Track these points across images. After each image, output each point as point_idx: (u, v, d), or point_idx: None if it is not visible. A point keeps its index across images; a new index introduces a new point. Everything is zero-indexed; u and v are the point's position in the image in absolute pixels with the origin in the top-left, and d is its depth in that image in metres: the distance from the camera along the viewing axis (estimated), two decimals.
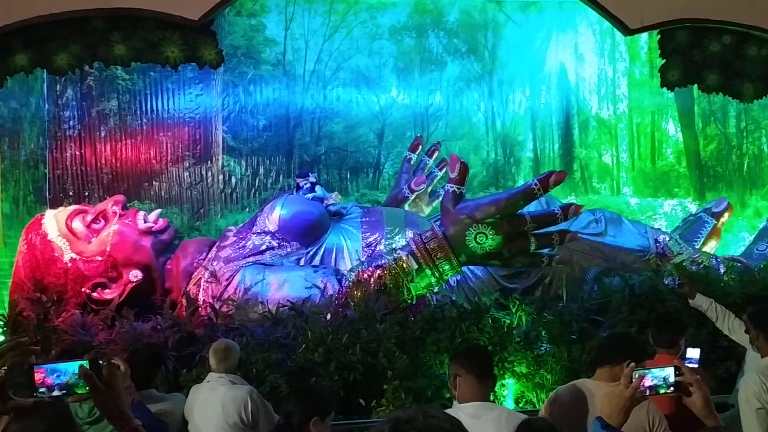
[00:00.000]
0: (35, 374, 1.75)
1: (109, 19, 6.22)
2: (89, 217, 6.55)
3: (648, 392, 2.09)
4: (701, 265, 6.54)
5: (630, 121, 10.41)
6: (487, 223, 5.56)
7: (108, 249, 6.44)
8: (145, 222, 6.67)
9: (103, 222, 6.58)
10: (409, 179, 7.74)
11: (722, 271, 6.52)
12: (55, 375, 1.75)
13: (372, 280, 5.80)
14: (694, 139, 10.28)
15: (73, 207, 6.80)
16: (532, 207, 6.46)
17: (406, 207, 7.64)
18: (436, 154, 8.15)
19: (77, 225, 6.49)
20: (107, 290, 6.48)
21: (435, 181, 8.13)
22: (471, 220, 5.61)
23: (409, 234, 6.42)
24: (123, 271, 6.51)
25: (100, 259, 6.44)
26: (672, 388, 2.08)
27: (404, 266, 5.81)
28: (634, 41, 9.95)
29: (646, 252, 6.82)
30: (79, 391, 1.76)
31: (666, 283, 5.05)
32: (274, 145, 9.28)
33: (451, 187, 5.85)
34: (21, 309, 5.93)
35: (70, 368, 1.75)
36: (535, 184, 5.54)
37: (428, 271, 5.83)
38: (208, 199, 9.05)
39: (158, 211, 6.99)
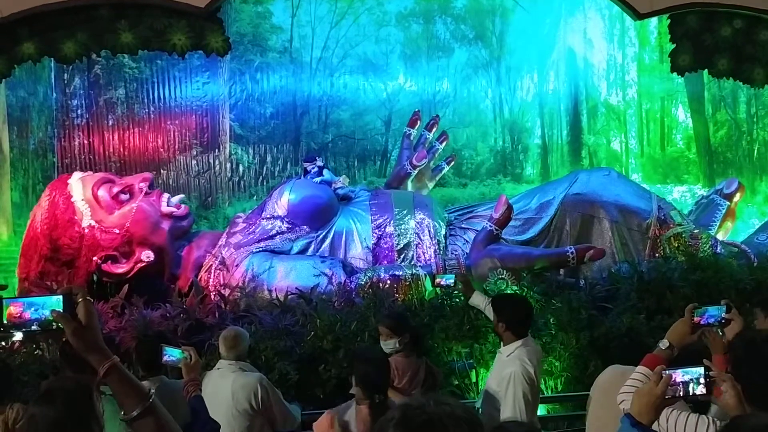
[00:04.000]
0: (10, 308, 1.60)
1: (116, 7, 6.21)
2: (116, 189, 6.60)
3: (680, 390, 2.04)
4: (698, 240, 6.49)
5: (639, 106, 10.34)
6: (509, 269, 5.77)
7: (128, 224, 6.51)
8: (169, 205, 6.71)
9: (129, 196, 6.63)
10: (410, 155, 7.65)
11: (719, 252, 6.47)
12: (32, 309, 1.61)
13: (385, 287, 5.90)
14: (704, 124, 10.20)
15: (101, 174, 6.83)
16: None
17: (409, 183, 7.61)
18: (435, 128, 8.00)
19: (103, 193, 6.55)
20: (117, 264, 6.53)
21: (436, 155, 8.01)
22: (497, 265, 5.83)
23: (427, 223, 6.45)
24: (137, 248, 6.57)
25: (117, 231, 6.51)
26: (703, 387, 2.04)
27: (420, 284, 5.97)
28: (643, 26, 9.84)
29: (647, 215, 6.76)
30: (58, 326, 1.63)
31: (442, 283, 4.94)
32: (281, 133, 9.27)
33: (491, 226, 6.08)
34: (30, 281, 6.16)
35: (48, 302, 1.62)
36: (571, 254, 5.80)
37: (438, 290, 5.94)
38: (215, 187, 9.06)
39: (181, 196, 7.06)
